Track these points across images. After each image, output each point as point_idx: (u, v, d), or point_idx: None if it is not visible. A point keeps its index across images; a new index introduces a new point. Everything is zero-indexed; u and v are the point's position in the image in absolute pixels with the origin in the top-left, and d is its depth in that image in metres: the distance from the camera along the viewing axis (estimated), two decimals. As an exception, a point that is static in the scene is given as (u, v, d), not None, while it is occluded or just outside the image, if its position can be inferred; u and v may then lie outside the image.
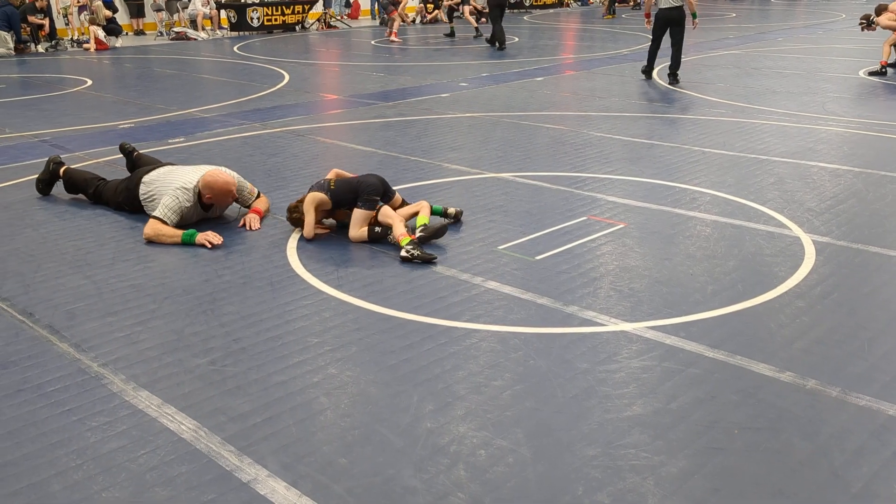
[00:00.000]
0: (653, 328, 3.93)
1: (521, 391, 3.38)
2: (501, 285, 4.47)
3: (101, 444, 3.05)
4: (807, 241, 5.08)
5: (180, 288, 4.52)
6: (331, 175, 5.60)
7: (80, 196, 6.22)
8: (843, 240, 5.09)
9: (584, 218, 5.58)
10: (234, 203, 5.72)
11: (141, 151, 6.41)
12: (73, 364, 3.66)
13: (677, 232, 5.29)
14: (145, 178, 5.65)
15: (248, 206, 5.73)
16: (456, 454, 2.96)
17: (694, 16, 11.38)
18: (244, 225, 5.52)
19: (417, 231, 5.03)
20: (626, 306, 4.19)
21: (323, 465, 2.91)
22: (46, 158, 6.44)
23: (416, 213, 5.28)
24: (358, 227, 5.13)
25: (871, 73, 12.01)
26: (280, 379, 3.51)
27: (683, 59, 11.00)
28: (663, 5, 11.13)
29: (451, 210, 5.51)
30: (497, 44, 15.91)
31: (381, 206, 5.20)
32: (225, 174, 5.49)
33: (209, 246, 5.12)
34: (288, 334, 3.93)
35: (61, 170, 6.24)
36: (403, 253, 4.82)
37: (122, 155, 6.34)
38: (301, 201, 5.28)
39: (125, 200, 5.76)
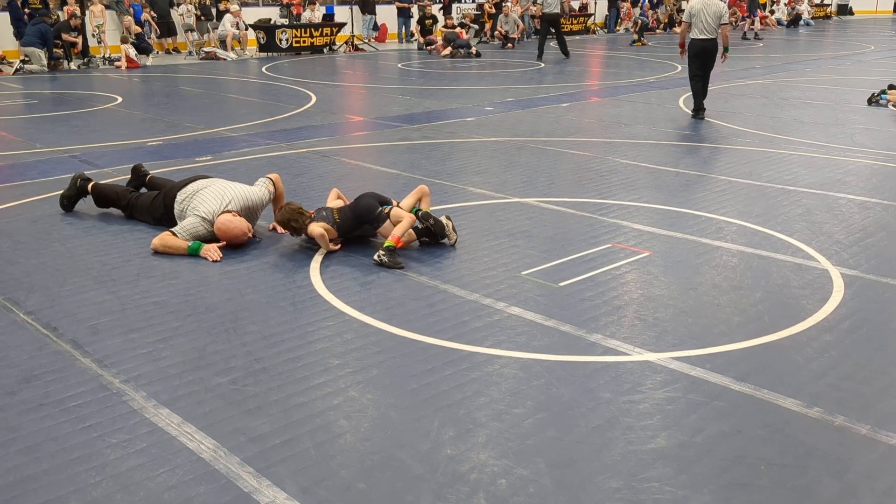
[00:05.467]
0: (677, 359, 3.88)
1: (543, 420, 3.34)
2: (524, 311, 4.44)
3: (121, 462, 3.04)
4: (835, 273, 5.01)
5: (203, 306, 4.53)
6: (331, 197, 5.83)
7: (109, 211, 6.30)
8: (872, 273, 5.01)
9: (609, 245, 5.54)
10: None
11: (154, 174, 6.52)
12: (95, 380, 3.67)
13: (703, 262, 5.24)
14: (179, 195, 5.73)
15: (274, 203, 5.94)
16: (476, 482, 2.92)
17: (726, 49, 10.84)
18: (273, 229, 5.82)
19: (420, 220, 5.39)
20: (650, 336, 4.14)
21: (341, 490, 2.88)
22: (74, 175, 6.51)
23: (419, 199, 5.57)
24: (398, 231, 5.22)
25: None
26: (300, 400, 3.49)
27: (710, 88, 10.91)
28: (697, 36, 10.42)
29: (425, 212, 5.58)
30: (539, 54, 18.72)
31: (391, 209, 5.36)
32: (240, 224, 5.45)
33: (209, 259, 5.24)
34: (309, 355, 3.92)
35: (89, 186, 6.30)
36: (375, 257, 5.10)
37: (132, 176, 6.40)
38: (300, 211, 5.38)
39: (164, 217, 5.84)
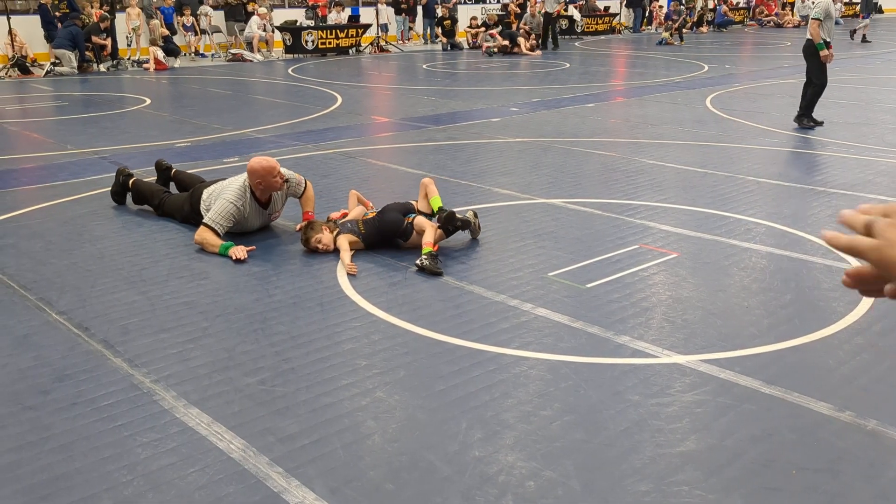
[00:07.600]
0: (706, 361, 3.85)
1: (571, 422, 3.33)
2: (551, 313, 4.43)
3: (152, 461, 3.08)
4: (867, 275, 4.93)
5: (232, 306, 4.56)
6: (352, 202, 5.93)
7: (138, 212, 6.42)
8: (905, 276, 4.93)
9: (636, 246, 5.51)
10: (288, 195, 5.94)
11: (180, 170, 6.71)
12: (126, 379, 3.72)
13: (731, 263, 5.20)
14: (205, 193, 5.81)
15: (299, 196, 5.95)
16: (504, 484, 2.92)
17: (818, 47, 9.53)
18: (301, 230, 5.75)
19: (435, 218, 5.39)
20: (678, 338, 4.11)
21: (370, 491, 2.89)
22: (112, 173, 6.68)
23: (427, 196, 5.59)
24: (428, 237, 5.18)
25: None
26: (328, 401, 3.51)
27: (738, 87, 10.70)
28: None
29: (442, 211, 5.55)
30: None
31: (415, 219, 5.37)
32: (263, 159, 5.58)
33: (234, 259, 5.27)
34: (337, 356, 3.94)
35: (130, 182, 6.52)
36: (417, 261, 5.05)
37: (157, 172, 6.67)
38: (318, 230, 5.36)
39: (190, 215, 5.93)
